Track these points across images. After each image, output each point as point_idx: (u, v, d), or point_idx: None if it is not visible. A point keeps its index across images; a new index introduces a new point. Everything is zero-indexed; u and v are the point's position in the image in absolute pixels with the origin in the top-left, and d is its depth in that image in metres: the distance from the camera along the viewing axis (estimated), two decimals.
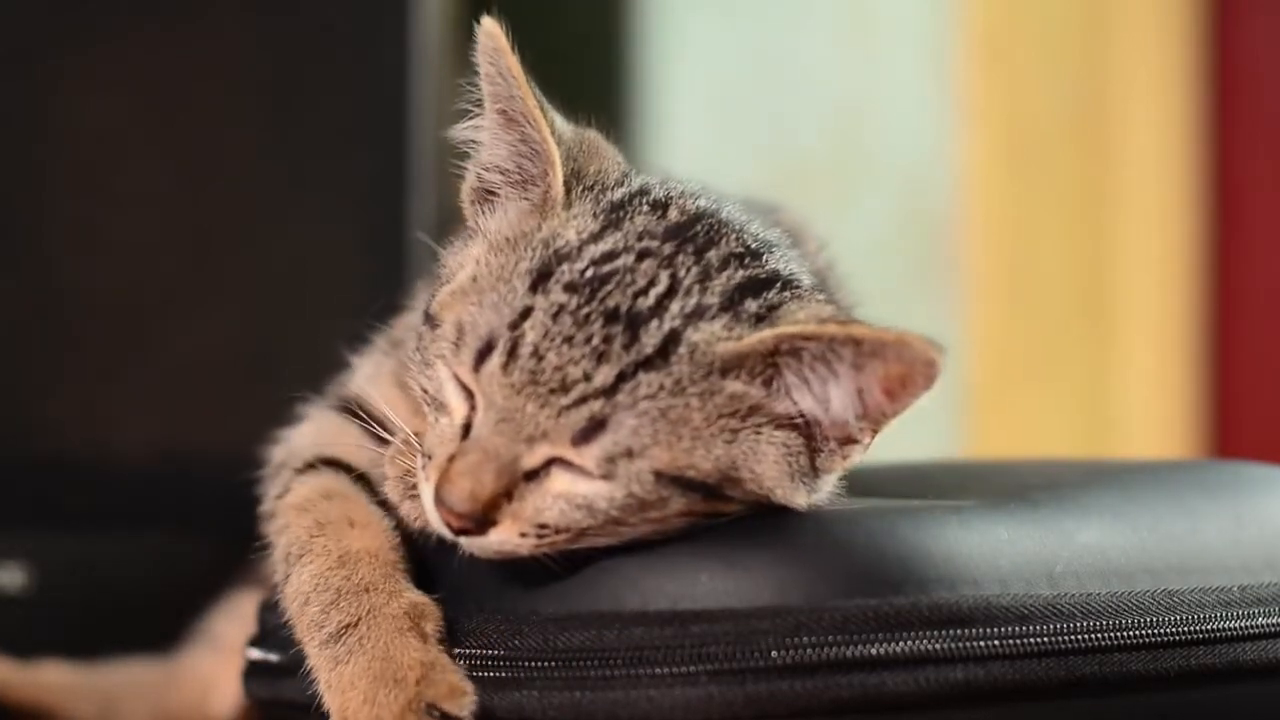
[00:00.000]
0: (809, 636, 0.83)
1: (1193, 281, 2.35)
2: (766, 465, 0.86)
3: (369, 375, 1.02)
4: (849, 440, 0.88)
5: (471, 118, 0.94)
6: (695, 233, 0.90)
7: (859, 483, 1.01)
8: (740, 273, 0.88)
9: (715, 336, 0.85)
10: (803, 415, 0.87)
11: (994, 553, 0.88)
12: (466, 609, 0.89)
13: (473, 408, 0.86)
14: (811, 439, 0.87)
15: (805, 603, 0.84)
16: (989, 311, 2.23)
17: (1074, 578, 0.89)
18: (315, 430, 1.01)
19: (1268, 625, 0.92)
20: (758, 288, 0.88)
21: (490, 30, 0.91)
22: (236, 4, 1.59)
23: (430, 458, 0.87)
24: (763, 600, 0.84)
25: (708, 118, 2.32)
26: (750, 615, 0.83)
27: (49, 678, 1.32)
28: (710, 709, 0.83)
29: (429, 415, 0.89)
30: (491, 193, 0.94)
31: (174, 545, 1.28)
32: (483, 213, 0.94)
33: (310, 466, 0.98)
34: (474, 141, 0.94)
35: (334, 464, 0.98)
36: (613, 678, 0.84)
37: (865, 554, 0.86)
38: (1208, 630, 0.90)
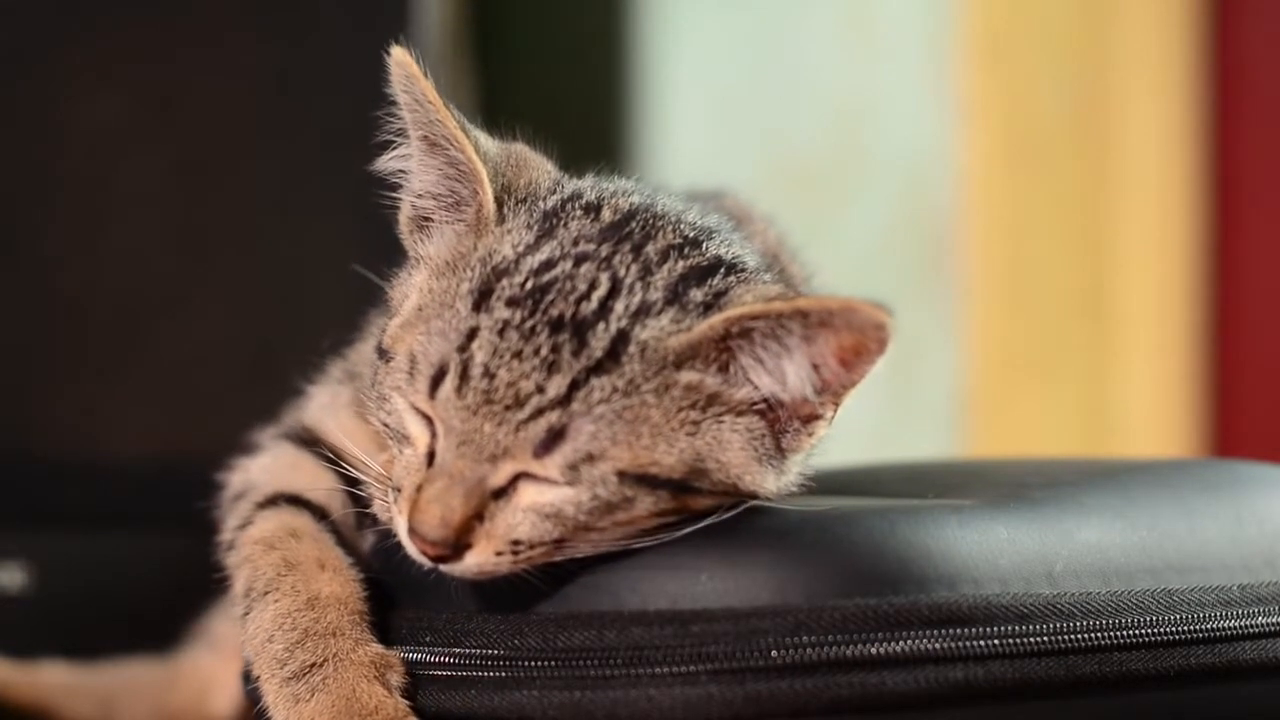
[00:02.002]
0: (809, 636, 0.83)
1: (1193, 281, 2.35)
2: (732, 452, 0.86)
3: (325, 405, 1.02)
4: (812, 417, 0.88)
5: (395, 148, 0.93)
6: (631, 230, 0.90)
7: (860, 482, 1.01)
8: (681, 263, 0.88)
9: (664, 331, 0.86)
10: (763, 398, 0.87)
11: (994, 552, 0.88)
12: (466, 609, 0.89)
13: (434, 435, 0.86)
14: (775, 421, 0.87)
15: (805, 602, 0.84)
16: (989, 311, 2.23)
17: (1074, 577, 0.89)
18: (273, 462, 1.01)
19: (1267, 624, 0.92)
20: (701, 276, 0.88)
21: (400, 59, 0.91)
22: (236, 4, 1.59)
23: (399, 490, 0.87)
24: (763, 599, 0.84)
25: (708, 118, 2.32)
26: (750, 615, 0.83)
27: (49, 678, 1.32)
28: (710, 708, 0.83)
29: (393, 449, 0.89)
30: (427, 219, 0.94)
31: (174, 545, 1.28)
32: (421, 240, 0.94)
33: (271, 501, 0.98)
34: (402, 171, 0.94)
35: (294, 500, 0.98)
36: (613, 677, 0.84)
37: (865, 553, 0.86)
38: (1207, 629, 0.91)
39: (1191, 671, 0.90)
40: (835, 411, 0.88)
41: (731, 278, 0.89)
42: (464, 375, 0.85)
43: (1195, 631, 0.90)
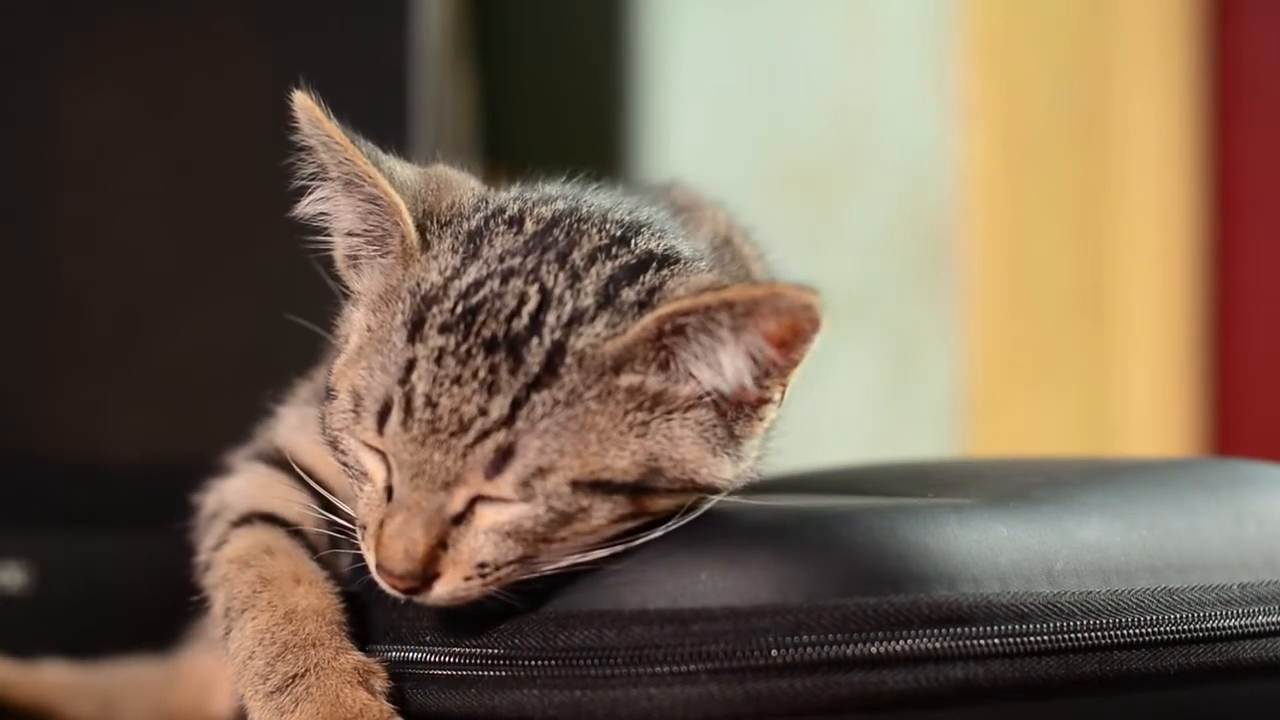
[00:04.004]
0: (809, 635, 0.83)
1: (1193, 281, 2.35)
2: (685, 448, 0.86)
3: (295, 426, 1.02)
4: (761, 401, 0.87)
5: (313, 191, 0.93)
6: (554, 239, 0.89)
7: (860, 482, 1.01)
8: (609, 264, 0.88)
9: (599, 337, 0.85)
10: (707, 390, 0.86)
11: (993, 551, 0.88)
12: (465, 609, 0.89)
13: (390, 469, 0.86)
14: (724, 410, 0.87)
15: (805, 601, 0.84)
16: (989, 311, 2.23)
17: (1073, 576, 0.89)
18: (246, 482, 1.01)
19: (1267, 624, 0.92)
20: (632, 274, 0.88)
21: (303, 103, 0.91)
22: (237, 4, 1.59)
23: (365, 527, 0.87)
24: (763, 598, 0.84)
25: (708, 118, 2.32)
26: (750, 614, 0.83)
27: (49, 678, 1.32)
28: (710, 707, 0.83)
29: (355, 487, 0.89)
30: (357, 256, 0.93)
31: (174, 545, 1.28)
32: (356, 277, 0.93)
33: (245, 520, 0.98)
34: (324, 214, 0.94)
35: (268, 518, 0.98)
36: (613, 676, 0.84)
37: (865, 552, 0.86)
38: (1207, 628, 0.91)
39: (1191, 671, 0.90)
40: (783, 392, 0.88)
41: (665, 271, 0.88)
42: (408, 408, 0.84)
43: (1195, 631, 0.90)
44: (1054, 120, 2.27)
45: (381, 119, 1.58)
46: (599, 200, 0.95)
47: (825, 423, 2.24)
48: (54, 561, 1.50)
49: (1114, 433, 2.27)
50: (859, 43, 2.26)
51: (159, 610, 1.31)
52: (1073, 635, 0.87)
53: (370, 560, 0.86)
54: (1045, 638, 0.86)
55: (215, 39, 1.57)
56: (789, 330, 0.84)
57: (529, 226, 0.90)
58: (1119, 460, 1.18)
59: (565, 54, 2.35)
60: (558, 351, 0.84)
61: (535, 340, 0.85)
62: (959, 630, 0.84)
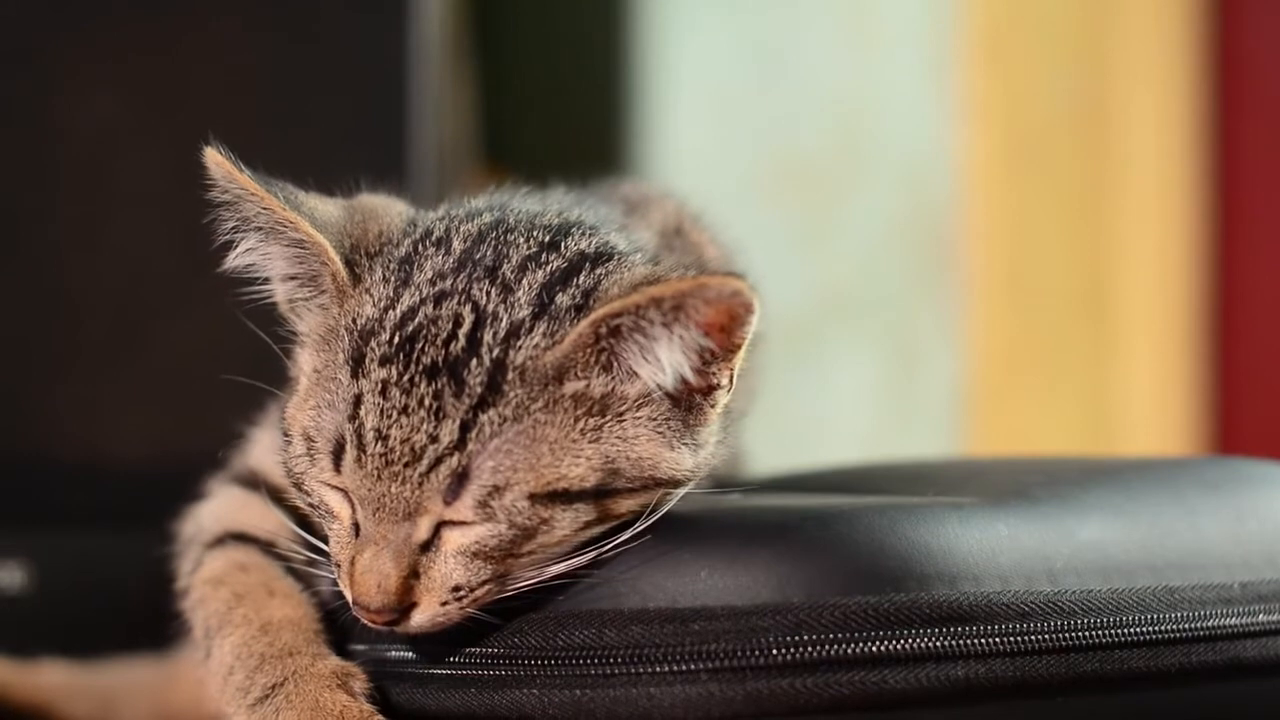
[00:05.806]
0: (810, 634, 0.83)
1: (1194, 279, 2.35)
2: (641, 446, 0.86)
3: (268, 447, 1.01)
4: (710, 388, 0.87)
5: (239, 244, 0.92)
6: (482, 254, 0.89)
7: (860, 481, 1.01)
8: (540, 272, 0.88)
9: (538, 348, 0.85)
10: (653, 387, 0.86)
11: (994, 549, 0.88)
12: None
13: (354, 505, 0.86)
14: (675, 402, 0.87)
15: (806, 600, 0.84)
16: (989, 311, 2.23)
17: (1074, 574, 0.89)
18: (220, 505, 1.01)
19: (1268, 622, 0.92)
20: (565, 278, 0.87)
21: (214, 159, 0.90)
22: (236, 4, 1.59)
23: (339, 565, 0.87)
24: (763, 597, 0.84)
25: (708, 118, 2.32)
26: (751, 613, 0.83)
27: (49, 678, 1.32)
28: (710, 706, 0.83)
29: (325, 525, 0.89)
30: (295, 300, 0.93)
31: (173, 545, 1.29)
32: (299, 320, 0.93)
33: (219, 541, 0.98)
34: (254, 264, 0.93)
35: (241, 537, 0.98)
36: (613, 675, 0.84)
37: (866, 551, 0.86)
38: (1208, 627, 0.91)
39: (1192, 669, 0.90)
40: (731, 377, 0.87)
41: (600, 270, 0.88)
42: (360, 444, 0.84)
43: (1196, 629, 0.90)
44: (1054, 120, 2.27)
45: (381, 119, 1.58)
46: (527, 207, 0.94)
47: (825, 423, 2.24)
48: (53, 561, 1.50)
49: (1114, 432, 2.27)
50: (859, 42, 2.26)
51: (158, 610, 1.31)
52: (1074, 634, 0.87)
53: (348, 596, 0.87)
54: (1046, 636, 0.86)
55: (214, 39, 1.57)
56: (724, 316, 0.84)
57: (456, 245, 0.90)
58: (1119, 459, 1.18)
59: (565, 54, 2.35)
60: (498, 369, 0.84)
61: (474, 361, 0.84)
62: (960, 629, 0.84)
